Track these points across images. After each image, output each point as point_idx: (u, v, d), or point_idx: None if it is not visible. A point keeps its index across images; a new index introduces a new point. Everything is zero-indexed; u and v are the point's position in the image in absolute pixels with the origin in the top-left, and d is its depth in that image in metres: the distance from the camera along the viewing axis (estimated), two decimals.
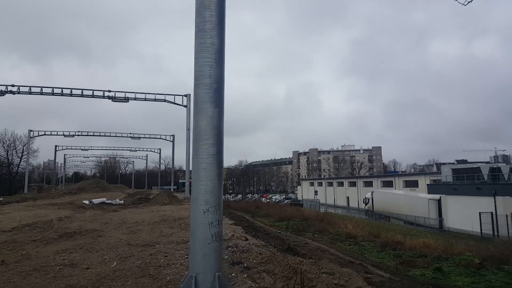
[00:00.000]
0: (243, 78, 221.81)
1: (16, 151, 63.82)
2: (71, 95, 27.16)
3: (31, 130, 45.11)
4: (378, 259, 22.79)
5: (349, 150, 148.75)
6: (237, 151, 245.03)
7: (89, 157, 79.04)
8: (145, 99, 31.45)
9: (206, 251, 3.49)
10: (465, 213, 35.14)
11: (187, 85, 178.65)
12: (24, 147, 66.69)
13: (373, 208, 51.95)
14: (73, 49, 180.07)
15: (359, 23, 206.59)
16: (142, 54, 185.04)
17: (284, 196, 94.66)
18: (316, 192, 69.02)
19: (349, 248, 26.19)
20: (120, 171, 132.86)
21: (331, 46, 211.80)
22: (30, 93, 27.40)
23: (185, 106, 29.01)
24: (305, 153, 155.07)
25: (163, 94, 31.72)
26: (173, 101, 31.17)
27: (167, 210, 20.36)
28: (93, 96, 28.24)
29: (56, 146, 61.17)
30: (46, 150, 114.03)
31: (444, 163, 49.54)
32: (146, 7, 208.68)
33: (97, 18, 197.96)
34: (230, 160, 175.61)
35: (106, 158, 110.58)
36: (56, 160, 70.11)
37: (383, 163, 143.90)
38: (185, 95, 29.31)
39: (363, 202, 57.02)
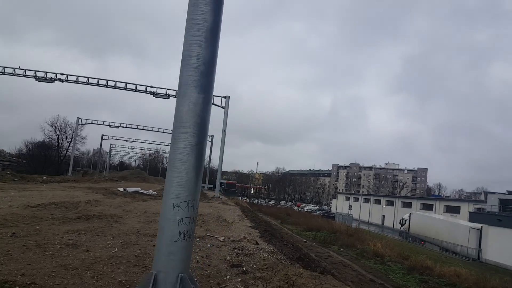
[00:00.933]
0: (289, 88, 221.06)
1: (66, 136, 67.75)
2: (115, 87, 28.27)
3: (80, 118, 47.75)
4: (402, 282, 21.50)
5: (393, 169, 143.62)
6: (276, 159, 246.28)
7: (133, 148, 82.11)
8: None
9: (172, 249, 3.15)
10: (507, 246, 32.93)
11: (231, 87, 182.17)
12: (74, 134, 70.96)
13: (409, 230, 49.83)
14: (130, 47, 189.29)
15: (413, 39, 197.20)
16: None
17: (317, 207, 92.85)
18: (350, 207, 66.97)
19: (374, 267, 25.00)
20: (162, 165, 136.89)
21: (383, 61, 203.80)
22: (77, 82, 28.99)
23: (223, 108, 29.11)
24: (345, 167, 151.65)
25: None
26: (212, 102, 30.28)
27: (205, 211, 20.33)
28: (135, 90, 29.27)
29: (102, 135, 64.04)
30: (95, 139, 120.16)
31: (493, 193, 46.19)
32: None
33: (154, 19, 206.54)
34: (268, 166, 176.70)
35: (151, 152, 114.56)
36: (103, 148, 73.72)
37: (428, 185, 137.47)
38: (224, 97, 29.42)
39: (399, 223, 54.74)
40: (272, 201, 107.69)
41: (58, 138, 70.88)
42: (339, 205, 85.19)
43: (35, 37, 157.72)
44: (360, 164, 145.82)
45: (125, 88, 28.93)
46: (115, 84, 28.67)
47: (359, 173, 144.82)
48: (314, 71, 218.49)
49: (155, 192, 28.62)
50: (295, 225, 47.87)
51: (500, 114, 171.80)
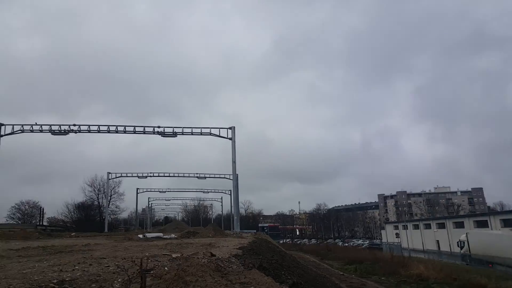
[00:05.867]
0: (317, 128, 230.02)
1: (105, 195, 69.94)
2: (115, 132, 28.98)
3: (110, 173, 49.13)
4: None
5: (444, 192, 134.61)
6: (317, 197, 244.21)
7: (170, 199, 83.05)
8: (192, 133, 32.13)
9: None
10: None
11: (261, 133, 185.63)
12: (112, 190, 73.31)
13: (469, 252, 44.43)
14: (168, 110, 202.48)
15: (420, 71, 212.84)
16: (223, 113, 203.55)
17: (367, 241, 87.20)
18: (397, 235, 61.85)
19: None
20: (204, 215, 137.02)
21: (397, 95, 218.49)
22: (89, 131, 30.31)
23: (230, 139, 28.81)
24: (392, 196, 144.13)
25: (208, 128, 32.19)
26: (218, 134, 31.38)
27: (198, 241, 19.25)
28: (144, 132, 29.90)
29: (137, 189, 65.57)
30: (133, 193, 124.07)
31: None
32: (223, 75, 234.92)
33: (187, 84, 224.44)
34: (310, 205, 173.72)
35: (189, 202, 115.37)
36: (141, 202, 75.17)
37: (488, 206, 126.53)
38: (230, 128, 29.27)
39: (457, 246, 49.30)
40: (314, 240, 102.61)
41: (98, 197, 73.60)
42: (389, 236, 79.37)
43: (86, 112, 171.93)
44: (408, 191, 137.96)
45: (134, 132, 29.32)
46: (116, 128, 29.30)
47: (408, 201, 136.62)
48: (336, 111, 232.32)
49: (175, 235, 28.03)
50: (336, 260, 44.62)
51: None
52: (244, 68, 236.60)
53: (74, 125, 29.72)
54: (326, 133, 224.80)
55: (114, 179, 58.42)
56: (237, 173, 46.60)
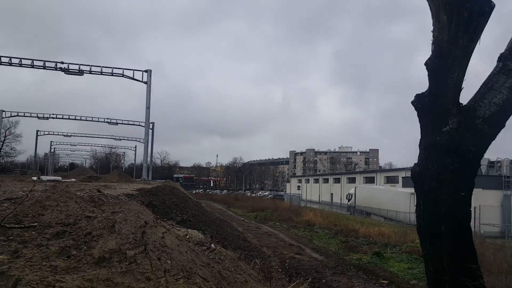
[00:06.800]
0: (241, 84, 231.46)
1: None
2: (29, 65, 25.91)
3: (3, 111, 43.87)
4: (324, 244, 21.76)
5: (346, 152, 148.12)
6: (235, 152, 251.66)
7: (76, 145, 78.03)
8: (101, 73, 29.18)
9: None
10: None
11: (186, 84, 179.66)
12: (7, 131, 66.31)
13: (355, 204, 50.69)
14: (83, 51, 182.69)
15: (340, 35, 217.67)
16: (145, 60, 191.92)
17: (273, 193, 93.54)
18: (298, 187, 67.86)
19: (301, 234, 25.24)
20: (115, 163, 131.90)
21: (319, 56, 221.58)
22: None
23: (145, 83, 27.79)
24: (301, 153, 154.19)
25: (121, 69, 29.58)
26: (132, 76, 29.13)
27: (96, 184, 19.22)
28: (44, 67, 26.89)
29: (37, 131, 60.35)
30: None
31: None
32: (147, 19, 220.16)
33: (107, 23, 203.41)
34: (228, 159, 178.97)
35: (99, 149, 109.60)
36: (44, 146, 69.41)
37: (380, 166, 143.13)
38: (145, 71, 28.00)
39: (346, 198, 55.81)
40: (226, 191, 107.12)
41: None
42: (293, 188, 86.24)
43: None
44: (316, 150, 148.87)
45: (32, 66, 26.24)
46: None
47: (315, 158, 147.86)
48: (261, 67, 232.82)
49: (74, 180, 27.29)
50: (240, 208, 47.60)
51: None
52: (171, 12, 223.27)
53: None
54: (249, 89, 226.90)
55: (9, 118, 52.89)
56: (153, 121, 45.67)
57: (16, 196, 6.29)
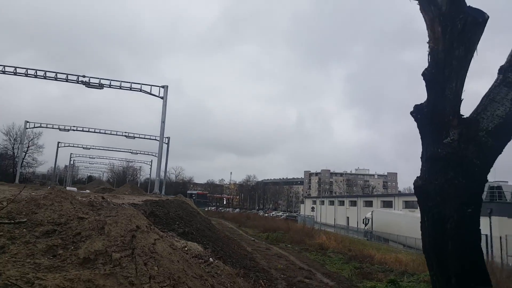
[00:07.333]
0: (256, 103, 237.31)
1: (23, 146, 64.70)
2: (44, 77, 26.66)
3: (28, 122, 45.23)
4: (336, 270, 20.78)
5: (363, 174, 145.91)
6: (249, 169, 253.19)
7: (94, 157, 79.33)
8: (120, 87, 30.27)
9: None
10: None
11: (201, 103, 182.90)
12: (30, 142, 68.06)
13: (372, 229, 49.21)
14: (106, 69, 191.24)
15: (354, 59, 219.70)
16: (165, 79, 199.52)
17: (287, 213, 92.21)
18: (312, 209, 66.52)
19: (313, 258, 24.25)
20: (131, 177, 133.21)
21: (332, 79, 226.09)
22: (15, 74, 27.42)
23: (162, 98, 28.14)
24: (316, 174, 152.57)
25: (139, 84, 30.57)
26: (149, 91, 29.81)
27: (107, 195, 19.13)
28: (67, 80, 27.64)
29: (58, 142, 61.67)
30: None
31: None
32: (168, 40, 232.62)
33: (129, 43, 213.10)
34: (240, 176, 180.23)
35: (117, 163, 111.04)
36: (64, 158, 70.71)
37: (399, 190, 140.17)
38: (162, 86, 28.44)
39: (363, 222, 54.27)
40: (238, 209, 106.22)
41: (13, 147, 68.06)
42: (307, 209, 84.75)
43: (14, 58, 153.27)
44: (331, 171, 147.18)
45: (56, 78, 27.17)
46: (43, 74, 26.94)
47: (330, 180, 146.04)
48: (276, 88, 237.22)
49: (89, 191, 27.49)
50: (253, 227, 46.67)
51: None
52: (190, 35, 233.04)
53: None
54: (264, 108, 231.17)
55: (33, 129, 54.25)
56: (168, 135, 46.15)
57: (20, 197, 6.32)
